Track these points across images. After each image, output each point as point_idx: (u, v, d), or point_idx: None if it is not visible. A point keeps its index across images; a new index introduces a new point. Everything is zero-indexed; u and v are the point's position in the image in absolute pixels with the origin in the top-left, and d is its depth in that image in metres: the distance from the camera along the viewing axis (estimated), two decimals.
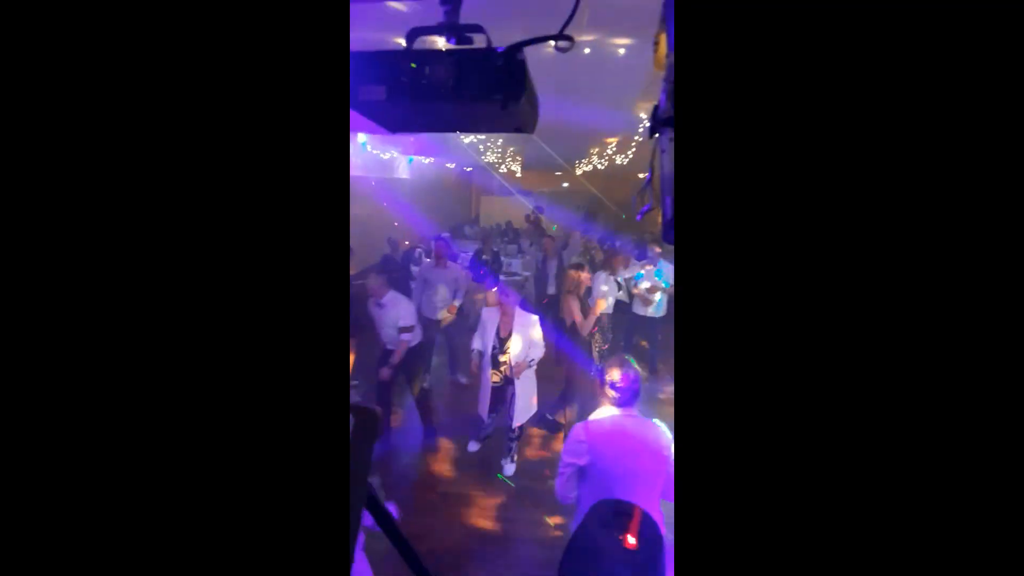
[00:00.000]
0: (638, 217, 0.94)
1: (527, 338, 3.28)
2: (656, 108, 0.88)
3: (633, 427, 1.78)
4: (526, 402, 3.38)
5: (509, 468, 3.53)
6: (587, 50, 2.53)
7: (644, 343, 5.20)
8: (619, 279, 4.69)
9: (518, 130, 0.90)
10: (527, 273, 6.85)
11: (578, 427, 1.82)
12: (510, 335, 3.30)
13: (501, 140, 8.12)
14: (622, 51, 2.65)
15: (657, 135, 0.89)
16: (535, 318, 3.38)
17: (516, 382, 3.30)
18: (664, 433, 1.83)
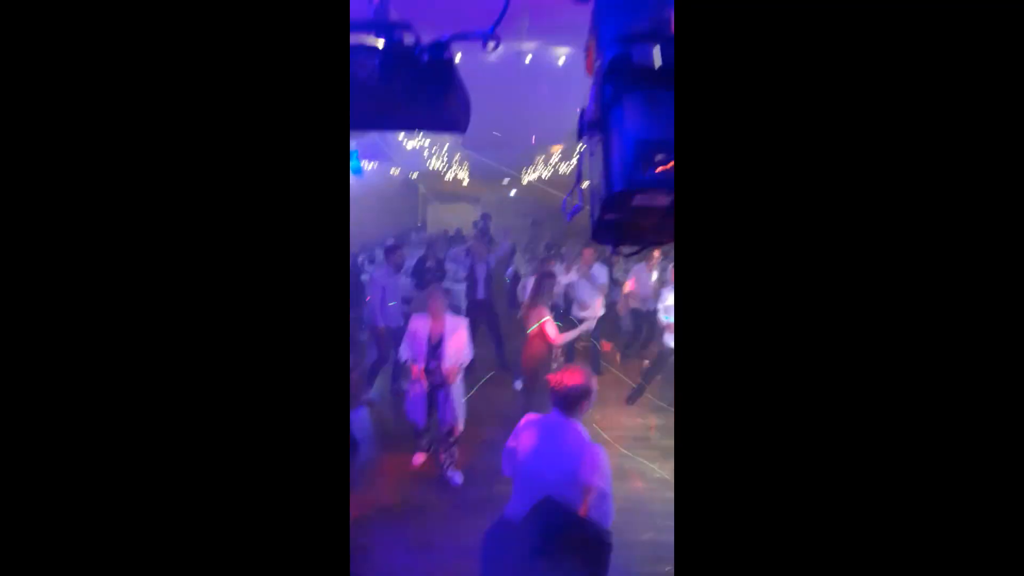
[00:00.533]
0: (568, 218, 0.97)
1: (457, 343, 3.31)
2: (582, 112, 0.91)
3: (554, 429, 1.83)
4: (459, 406, 3.41)
5: (456, 478, 3.48)
6: (529, 58, 2.58)
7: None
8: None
9: (449, 129, 0.90)
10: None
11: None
12: (441, 341, 3.29)
13: (447, 146, 8.07)
14: (562, 60, 2.72)
15: (584, 138, 0.92)
16: (465, 321, 3.47)
17: (450, 387, 3.31)
18: (583, 439, 1.81)
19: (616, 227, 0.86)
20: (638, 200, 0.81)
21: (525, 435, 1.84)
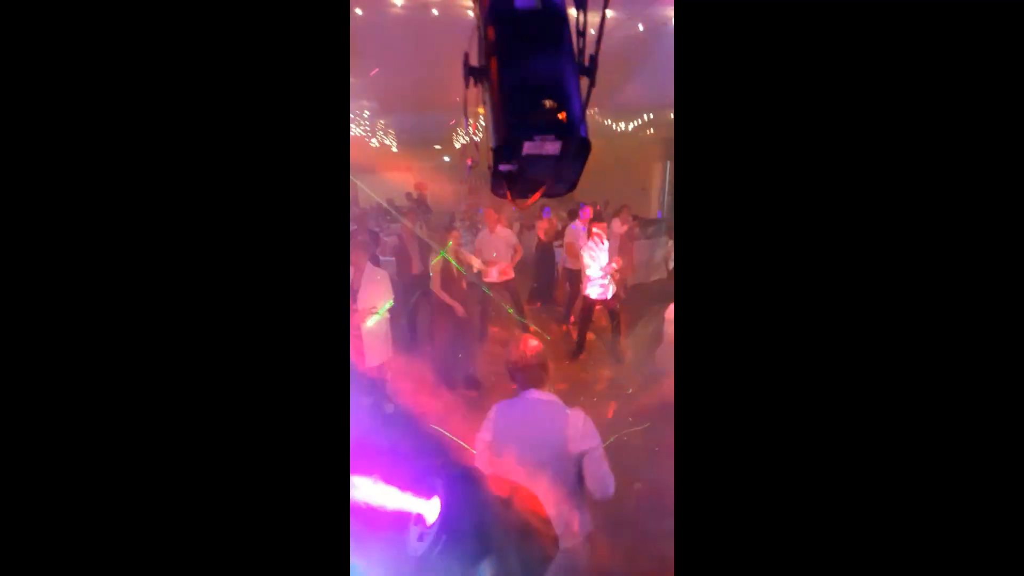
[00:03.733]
0: (466, 173, 0.94)
1: (370, 289, 3.50)
2: (466, 58, 0.87)
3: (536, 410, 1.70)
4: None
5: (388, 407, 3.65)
6: (434, 11, 2.43)
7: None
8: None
9: None
10: None
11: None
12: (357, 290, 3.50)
13: (367, 113, 7.64)
14: (471, 12, 2.60)
15: (473, 85, 0.89)
16: (383, 274, 3.63)
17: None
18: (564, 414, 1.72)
19: (510, 178, 0.85)
20: (528, 148, 0.80)
21: (502, 422, 1.72)
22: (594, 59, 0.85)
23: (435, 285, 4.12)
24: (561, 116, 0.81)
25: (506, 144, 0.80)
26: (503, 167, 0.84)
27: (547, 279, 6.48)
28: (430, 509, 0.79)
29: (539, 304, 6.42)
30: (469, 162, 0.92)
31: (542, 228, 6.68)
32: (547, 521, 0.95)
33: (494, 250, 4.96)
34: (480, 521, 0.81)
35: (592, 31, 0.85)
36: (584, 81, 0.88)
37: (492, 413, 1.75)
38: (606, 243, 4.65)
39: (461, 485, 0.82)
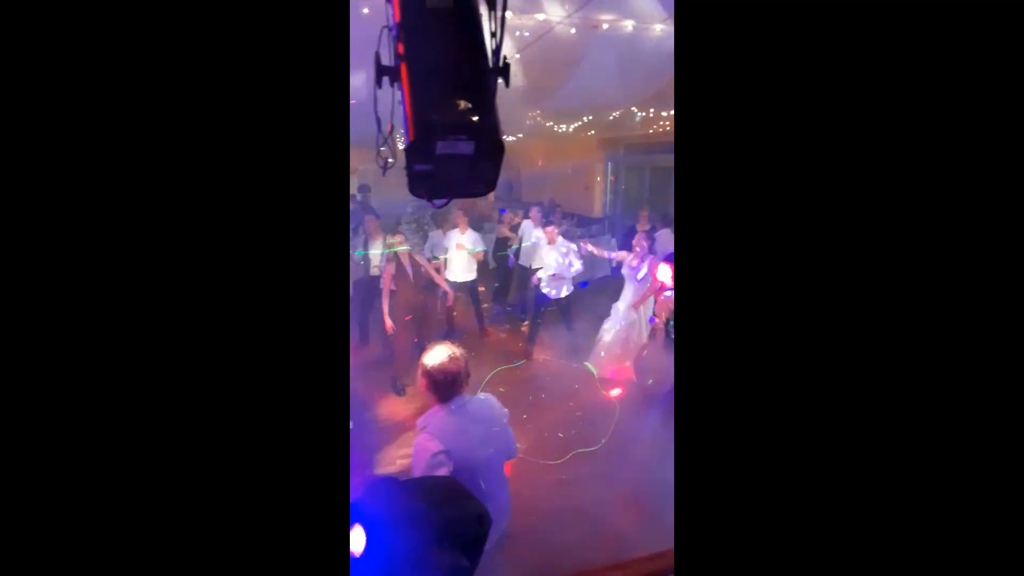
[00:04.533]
0: (383, 173, 0.93)
1: None
2: (377, 58, 0.86)
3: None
4: None
5: None
6: (365, 11, 2.38)
7: None
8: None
9: None
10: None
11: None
12: None
13: None
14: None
15: (385, 85, 0.88)
16: None
17: None
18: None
19: (426, 178, 0.84)
20: (441, 148, 0.80)
21: (445, 429, 1.60)
22: (505, 59, 0.86)
23: (384, 294, 3.99)
24: (474, 117, 0.81)
25: (419, 144, 0.79)
26: (418, 167, 0.83)
27: (507, 279, 6.51)
28: (355, 539, 0.77)
29: (500, 304, 6.43)
30: (383, 162, 0.91)
31: (500, 228, 6.68)
32: (472, 498, 0.97)
33: (448, 250, 4.95)
34: (409, 528, 0.80)
35: (525, 32, 0.86)
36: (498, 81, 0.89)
37: (432, 422, 1.65)
38: (560, 242, 4.75)
39: (379, 502, 0.81)
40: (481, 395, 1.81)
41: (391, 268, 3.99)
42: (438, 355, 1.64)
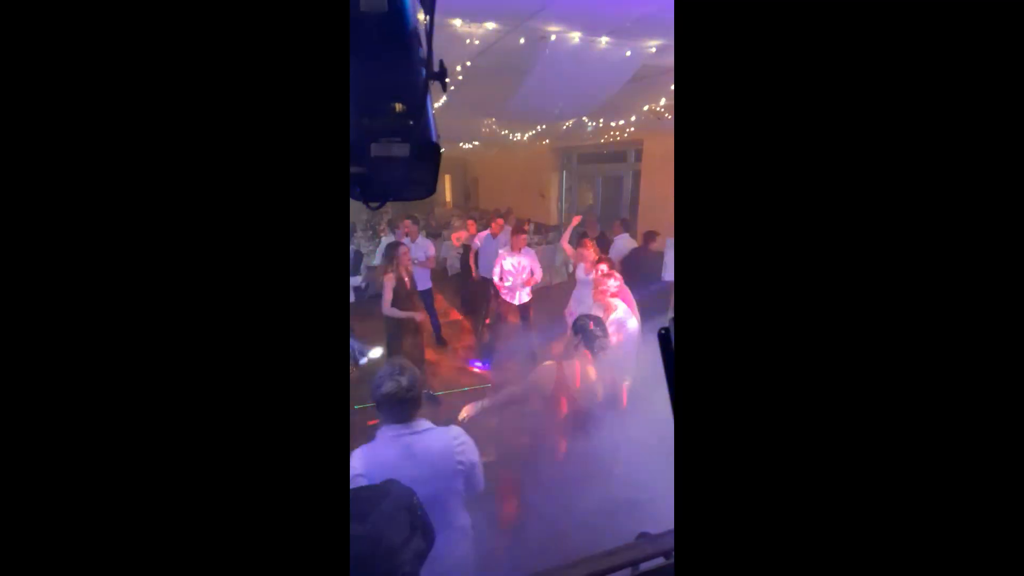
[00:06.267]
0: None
1: None
2: None
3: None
4: None
5: None
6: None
7: None
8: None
9: None
10: None
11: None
12: None
13: None
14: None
15: None
16: None
17: None
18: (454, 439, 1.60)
19: (362, 180, 0.83)
20: (375, 150, 0.79)
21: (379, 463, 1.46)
22: (442, 63, 0.86)
23: (385, 304, 3.81)
24: (408, 120, 0.81)
25: (352, 146, 0.78)
26: (353, 169, 0.82)
27: (470, 289, 6.47)
28: None
29: (466, 313, 6.38)
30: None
31: (455, 236, 6.64)
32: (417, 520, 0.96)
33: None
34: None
35: (476, 41, 0.87)
36: (434, 86, 0.90)
37: (366, 445, 1.54)
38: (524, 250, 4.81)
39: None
40: (447, 428, 1.62)
41: (391, 279, 3.85)
42: (381, 374, 1.55)
